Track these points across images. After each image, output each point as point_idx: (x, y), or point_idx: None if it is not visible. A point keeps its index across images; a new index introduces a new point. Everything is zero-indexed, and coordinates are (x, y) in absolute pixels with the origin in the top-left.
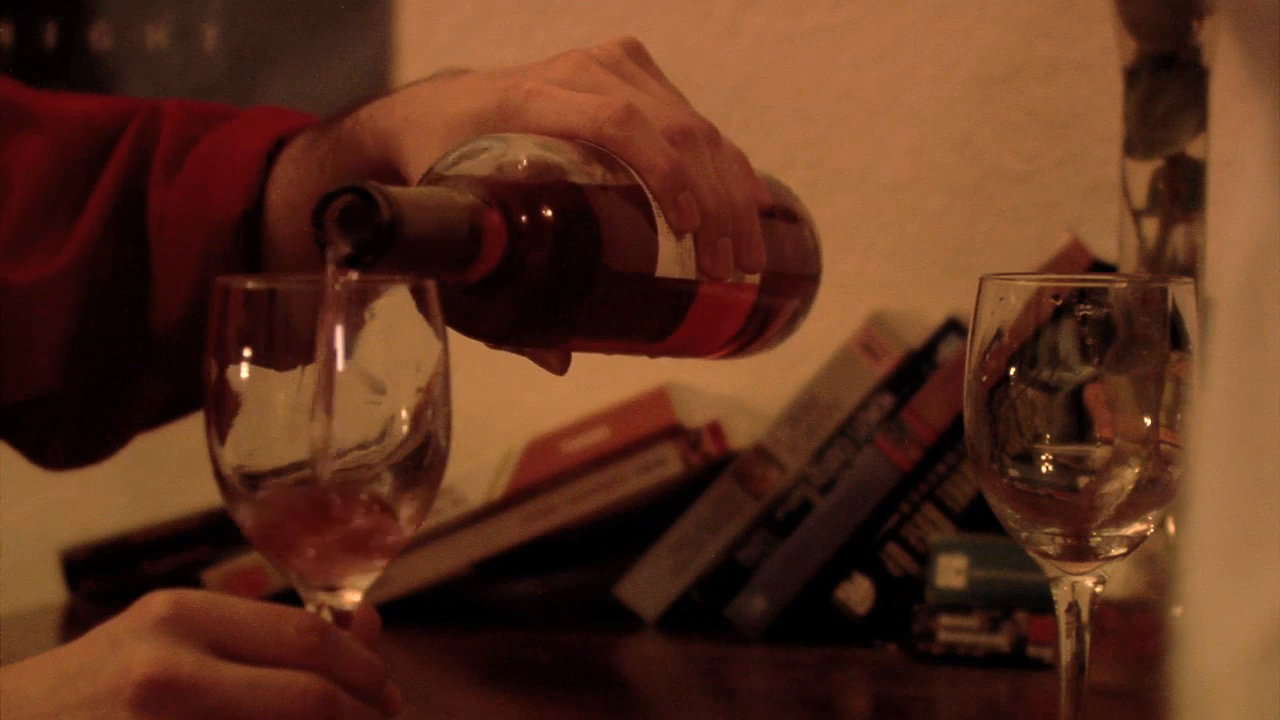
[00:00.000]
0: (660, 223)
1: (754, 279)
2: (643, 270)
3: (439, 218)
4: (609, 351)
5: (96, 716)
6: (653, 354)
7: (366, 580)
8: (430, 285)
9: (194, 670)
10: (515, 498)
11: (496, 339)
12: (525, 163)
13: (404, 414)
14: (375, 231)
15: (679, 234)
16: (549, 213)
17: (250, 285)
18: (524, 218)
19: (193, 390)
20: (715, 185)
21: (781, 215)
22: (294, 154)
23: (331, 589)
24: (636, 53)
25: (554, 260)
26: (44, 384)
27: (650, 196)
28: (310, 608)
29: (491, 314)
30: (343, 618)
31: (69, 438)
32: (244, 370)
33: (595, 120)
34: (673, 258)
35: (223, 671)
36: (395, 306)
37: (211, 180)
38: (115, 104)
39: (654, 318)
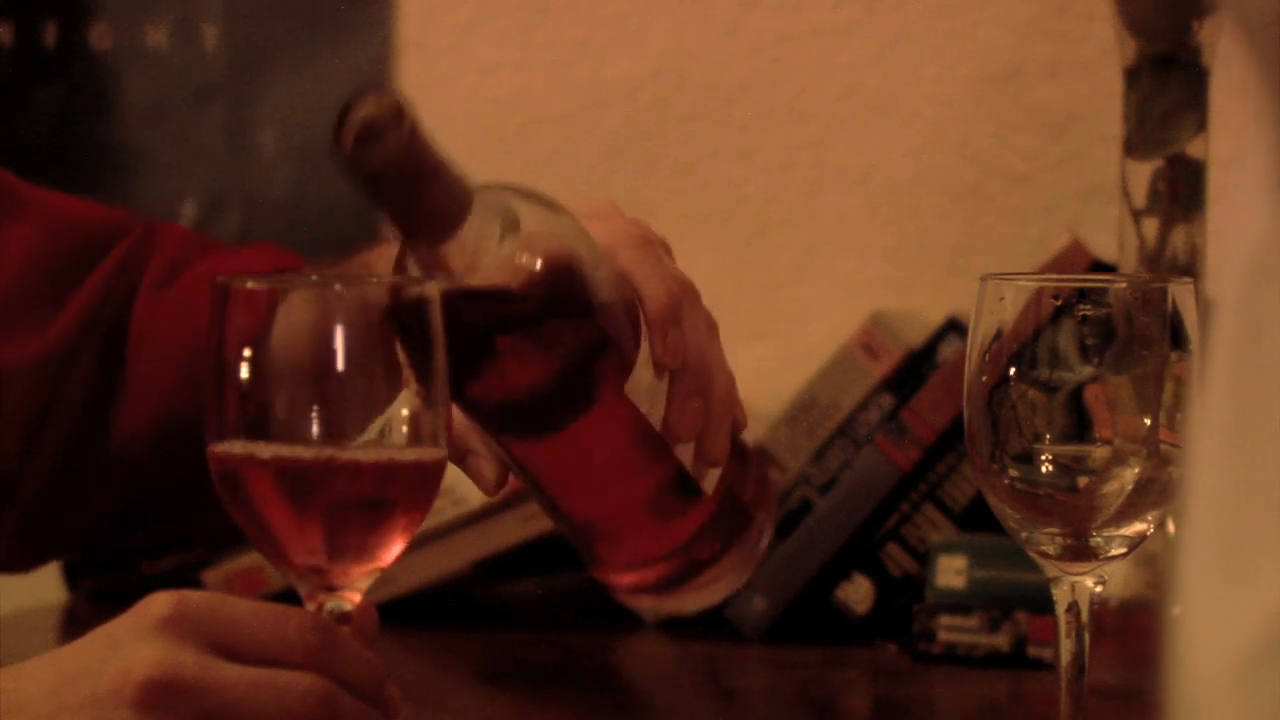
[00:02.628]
0: (642, 352)
1: (709, 493)
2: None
3: (448, 180)
4: (530, 484)
5: (97, 717)
6: (571, 526)
7: (367, 580)
8: (431, 288)
9: (195, 671)
10: (515, 498)
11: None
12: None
13: (404, 414)
14: (387, 149)
15: (659, 368)
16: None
17: (250, 285)
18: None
19: (143, 513)
20: (702, 347)
21: (753, 459)
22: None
23: (332, 589)
24: (654, 235)
25: (543, 335)
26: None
27: (642, 322)
28: (311, 608)
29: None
30: (343, 618)
31: (9, 538)
32: (244, 370)
33: (611, 237)
34: (643, 390)
35: (224, 672)
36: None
37: (204, 299)
38: (112, 213)
39: (606, 448)
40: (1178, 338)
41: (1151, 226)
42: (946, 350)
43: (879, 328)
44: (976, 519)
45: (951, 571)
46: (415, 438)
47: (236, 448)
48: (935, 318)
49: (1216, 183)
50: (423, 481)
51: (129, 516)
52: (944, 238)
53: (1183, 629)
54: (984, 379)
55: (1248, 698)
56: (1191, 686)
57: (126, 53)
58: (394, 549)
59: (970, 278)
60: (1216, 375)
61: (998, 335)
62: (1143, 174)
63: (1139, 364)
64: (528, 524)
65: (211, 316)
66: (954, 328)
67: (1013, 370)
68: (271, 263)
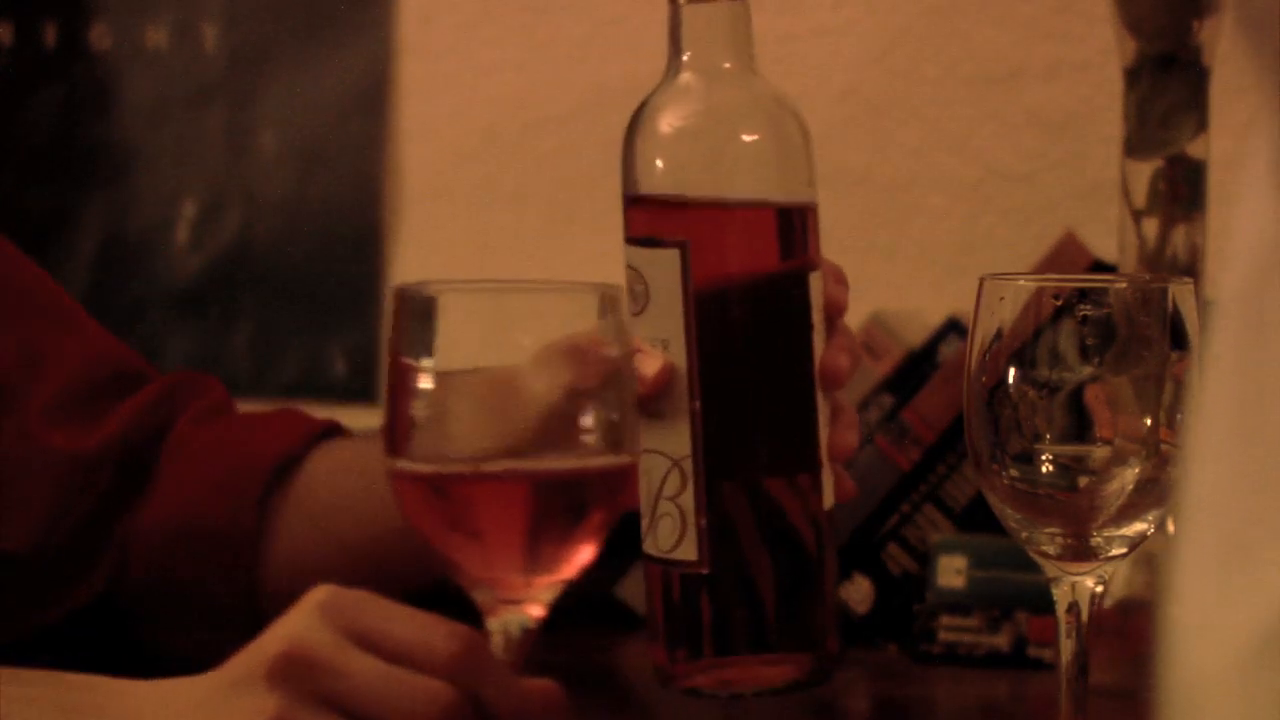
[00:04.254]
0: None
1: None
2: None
3: None
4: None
5: (237, 690)
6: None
7: (550, 592)
8: (619, 291)
9: (330, 652)
10: None
11: None
12: None
13: (590, 421)
14: None
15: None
16: None
17: (429, 292)
18: None
19: (128, 606)
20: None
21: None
22: (346, 440)
23: (512, 602)
24: None
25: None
26: (17, 544)
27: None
28: (493, 623)
29: None
30: (528, 633)
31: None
32: (424, 381)
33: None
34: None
35: (358, 660)
36: (573, 312)
37: (255, 428)
38: (139, 358)
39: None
40: (1178, 338)
41: (1151, 226)
42: (946, 350)
43: (879, 328)
44: (976, 519)
45: (951, 571)
46: (608, 444)
47: (421, 465)
48: (935, 318)
49: (1216, 183)
50: (614, 488)
51: (112, 607)
52: (944, 238)
53: (1179, 627)
54: (984, 379)
55: (1245, 697)
56: (1187, 685)
57: (126, 53)
58: (583, 558)
59: (970, 278)
60: (1219, 373)
61: (998, 335)
62: (1143, 174)
63: (1139, 364)
64: None
65: (395, 322)
66: (954, 328)
67: (1013, 370)
68: (302, 426)
